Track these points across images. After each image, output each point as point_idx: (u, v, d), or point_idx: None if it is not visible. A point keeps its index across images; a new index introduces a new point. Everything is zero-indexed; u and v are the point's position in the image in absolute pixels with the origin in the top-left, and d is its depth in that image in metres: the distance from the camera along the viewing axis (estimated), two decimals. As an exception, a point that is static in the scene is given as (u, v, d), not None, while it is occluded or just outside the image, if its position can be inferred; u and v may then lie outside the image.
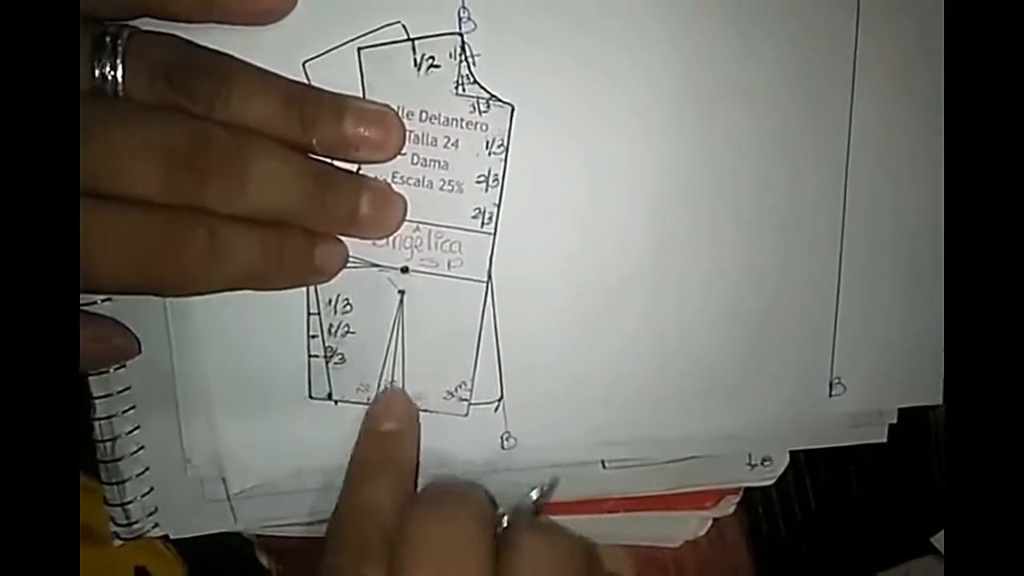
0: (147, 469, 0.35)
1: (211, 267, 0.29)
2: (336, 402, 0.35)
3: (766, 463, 0.38)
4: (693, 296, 0.35)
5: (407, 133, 0.32)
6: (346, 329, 0.34)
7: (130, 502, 0.35)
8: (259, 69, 0.30)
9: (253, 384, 0.34)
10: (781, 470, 0.38)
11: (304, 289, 0.34)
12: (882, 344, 0.37)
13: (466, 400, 0.35)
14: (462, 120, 0.33)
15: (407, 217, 0.33)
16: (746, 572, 0.41)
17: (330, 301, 0.34)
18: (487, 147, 0.33)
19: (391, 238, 0.33)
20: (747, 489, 0.39)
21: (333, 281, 0.33)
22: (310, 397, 0.35)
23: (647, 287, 0.35)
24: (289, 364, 0.34)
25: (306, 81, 0.32)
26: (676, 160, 0.34)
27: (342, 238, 0.33)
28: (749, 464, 0.38)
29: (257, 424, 0.35)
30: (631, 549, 0.39)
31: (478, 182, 0.33)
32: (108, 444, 0.34)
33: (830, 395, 0.36)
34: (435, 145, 0.33)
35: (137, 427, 0.35)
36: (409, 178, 0.33)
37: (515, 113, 0.33)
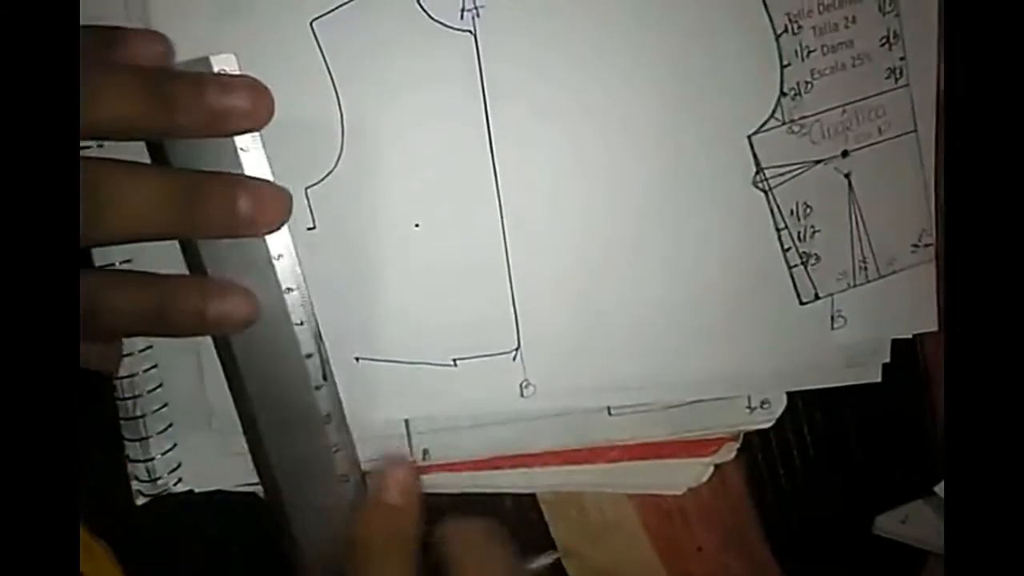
0: (170, 425, 0.36)
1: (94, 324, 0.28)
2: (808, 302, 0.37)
3: (765, 406, 0.39)
4: (699, 244, 0.37)
5: (814, 28, 0.35)
6: (812, 230, 0.37)
7: (153, 458, 0.36)
8: (108, 64, 0.28)
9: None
10: (779, 412, 0.39)
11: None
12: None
13: (931, 245, 0.38)
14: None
15: (832, 105, 0.36)
16: (747, 518, 0.42)
17: (792, 211, 0.36)
18: (880, 9, 0.36)
19: (824, 128, 0.36)
20: (746, 437, 0.40)
21: (791, 191, 0.36)
22: (801, 303, 0.38)
23: (656, 233, 0.36)
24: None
25: (315, 42, 0.33)
26: (687, 105, 0.36)
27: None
28: (749, 407, 0.39)
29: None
30: (635, 497, 0.41)
31: (881, 45, 0.36)
32: (130, 402, 0.35)
33: (832, 327, 0.38)
34: (837, 29, 0.35)
35: (160, 385, 0.35)
36: (825, 70, 0.35)
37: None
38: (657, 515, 0.41)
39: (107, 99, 0.27)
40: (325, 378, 0.32)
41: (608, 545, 0.41)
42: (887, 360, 0.39)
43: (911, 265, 0.38)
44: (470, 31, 0.34)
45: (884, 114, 0.36)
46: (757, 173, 0.36)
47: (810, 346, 0.38)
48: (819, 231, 0.37)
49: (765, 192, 0.36)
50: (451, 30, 0.34)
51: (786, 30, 0.35)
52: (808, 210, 0.36)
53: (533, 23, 0.34)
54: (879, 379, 0.39)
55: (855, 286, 0.38)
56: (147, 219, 0.28)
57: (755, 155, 0.36)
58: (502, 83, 0.34)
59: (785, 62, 0.35)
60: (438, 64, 0.34)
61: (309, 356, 0.32)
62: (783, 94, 0.35)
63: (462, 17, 0.34)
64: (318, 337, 0.32)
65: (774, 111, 0.36)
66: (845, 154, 0.37)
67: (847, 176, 0.37)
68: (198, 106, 0.28)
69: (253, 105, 0.29)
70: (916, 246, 0.38)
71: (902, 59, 0.36)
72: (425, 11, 0.34)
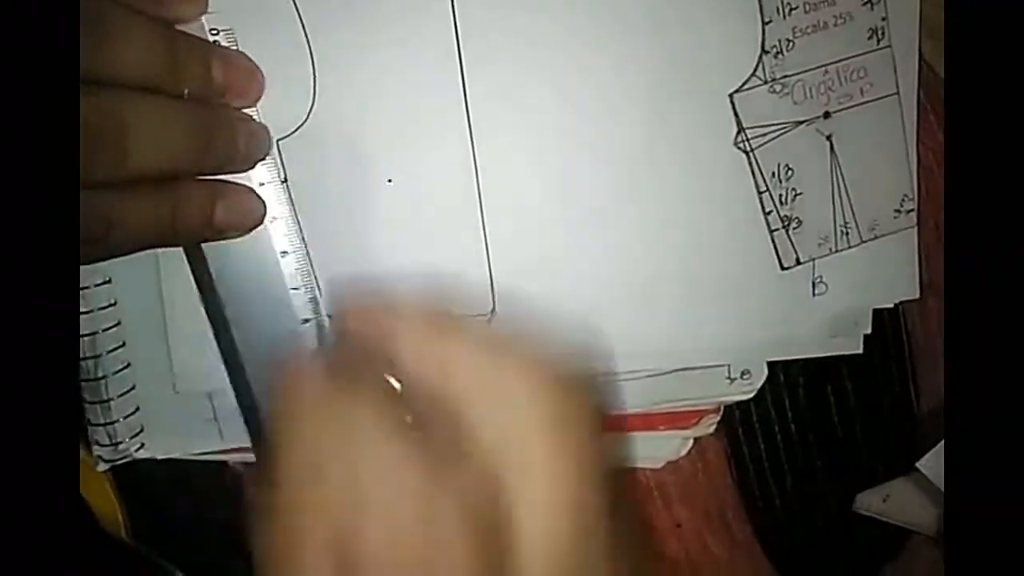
0: (133, 388, 0.35)
1: (106, 238, 0.29)
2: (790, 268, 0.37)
3: (745, 376, 0.38)
4: (679, 206, 0.36)
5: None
6: (794, 193, 0.36)
7: (114, 422, 0.35)
8: (130, 19, 0.29)
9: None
10: (760, 383, 0.38)
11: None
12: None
13: (913, 211, 0.38)
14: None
15: (814, 64, 0.36)
16: (727, 493, 0.41)
17: (774, 174, 0.36)
18: None
19: (806, 88, 0.36)
20: (727, 411, 0.39)
21: (772, 152, 0.36)
22: (782, 268, 0.37)
23: (634, 198, 0.36)
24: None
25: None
26: (660, 75, 0.35)
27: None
28: (729, 378, 0.38)
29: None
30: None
31: (863, 4, 0.36)
32: (91, 362, 0.34)
33: (813, 294, 0.37)
34: None
35: (122, 344, 0.35)
36: (807, 28, 0.35)
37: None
38: (636, 491, 0.40)
39: (124, 42, 0.28)
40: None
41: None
42: (868, 331, 0.39)
43: (893, 231, 0.38)
44: (446, -7, 0.34)
45: (865, 75, 0.36)
46: (738, 133, 0.36)
47: (791, 313, 0.38)
48: (801, 194, 0.37)
49: (747, 153, 0.36)
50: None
51: (769, -13, 0.35)
52: (790, 172, 0.36)
53: None
54: (860, 350, 0.39)
55: (837, 251, 0.37)
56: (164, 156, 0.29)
57: (736, 114, 0.35)
58: (478, 40, 0.34)
59: (767, 19, 0.35)
60: (414, 19, 0.34)
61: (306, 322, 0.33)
62: (764, 51, 0.35)
63: None
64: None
65: (756, 69, 0.35)
66: (827, 115, 0.36)
67: (828, 138, 0.36)
68: (203, 75, 0.31)
69: (248, 84, 0.32)
70: (898, 211, 0.37)
71: (883, 19, 0.36)
72: (400, -27, 0.33)
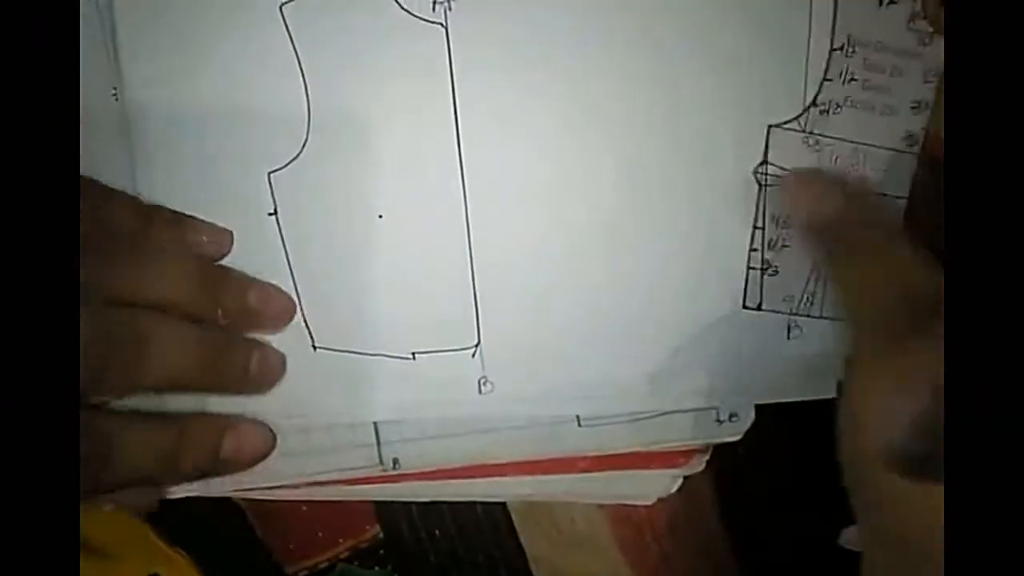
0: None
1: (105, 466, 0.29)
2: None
3: (733, 419, 0.39)
4: (664, 250, 0.37)
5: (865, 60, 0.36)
6: (783, 244, 0.36)
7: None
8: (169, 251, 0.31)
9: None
10: (747, 426, 0.39)
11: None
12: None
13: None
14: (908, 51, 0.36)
15: (850, 138, 0.36)
16: (715, 528, 0.42)
17: (774, 217, 0.36)
18: (923, 77, 0.36)
19: (834, 156, 0.36)
20: (716, 449, 0.40)
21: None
22: (744, 307, 0.37)
23: (623, 240, 0.36)
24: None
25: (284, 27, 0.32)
26: (652, 117, 0.35)
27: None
28: (718, 420, 0.39)
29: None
30: (606, 506, 0.40)
31: (912, 108, 0.36)
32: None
33: (788, 338, 0.38)
34: (883, 72, 0.36)
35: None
36: (857, 103, 0.36)
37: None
38: (626, 524, 0.41)
39: (163, 278, 0.30)
40: None
41: (577, 553, 0.41)
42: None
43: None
44: (441, 23, 0.34)
45: (886, 171, 0.37)
46: (761, 164, 0.36)
47: (766, 356, 0.38)
48: (787, 247, 0.37)
49: (760, 186, 0.36)
50: (422, 22, 0.34)
51: (841, 49, 0.36)
52: (787, 223, 0.37)
53: (506, 17, 0.34)
54: (833, 394, 0.38)
55: (793, 314, 0.38)
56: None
57: (767, 146, 0.36)
58: (471, 77, 0.34)
59: (828, 76, 0.36)
60: (409, 55, 0.34)
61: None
62: (814, 104, 0.36)
63: (434, 9, 0.34)
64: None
65: (799, 116, 0.36)
66: None
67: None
68: (241, 307, 0.32)
69: (281, 315, 0.34)
70: None
71: (923, 129, 0.37)
72: (397, 1, 0.33)
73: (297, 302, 0.35)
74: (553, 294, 0.36)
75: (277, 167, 0.34)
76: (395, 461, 0.37)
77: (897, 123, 0.37)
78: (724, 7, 0.35)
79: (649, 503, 0.40)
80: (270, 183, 0.34)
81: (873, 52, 0.36)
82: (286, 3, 0.32)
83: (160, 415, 0.32)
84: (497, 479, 0.38)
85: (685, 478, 0.40)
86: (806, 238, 0.35)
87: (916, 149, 0.37)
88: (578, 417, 0.38)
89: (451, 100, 0.34)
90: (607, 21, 0.34)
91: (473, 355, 0.36)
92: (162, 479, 0.33)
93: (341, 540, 0.41)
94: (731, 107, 0.36)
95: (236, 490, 0.36)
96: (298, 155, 0.34)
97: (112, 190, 0.32)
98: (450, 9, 0.33)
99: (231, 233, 0.33)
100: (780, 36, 0.35)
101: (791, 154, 0.36)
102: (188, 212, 0.33)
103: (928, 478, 0.27)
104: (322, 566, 0.40)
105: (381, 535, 0.41)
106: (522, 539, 0.41)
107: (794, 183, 0.35)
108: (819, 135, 0.36)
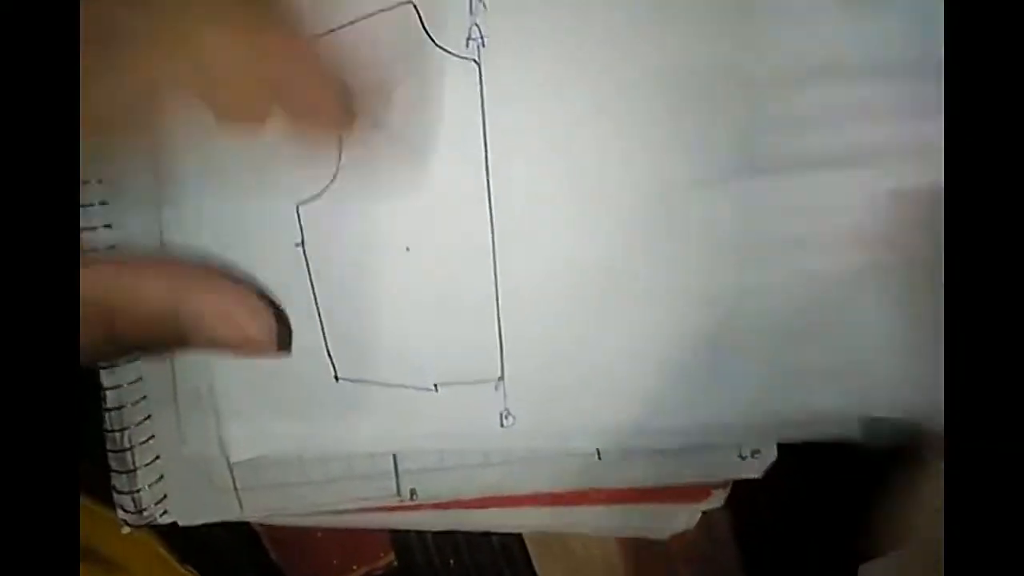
0: (157, 458, 0.35)
1: None
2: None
3: (756, 455, 0.38)
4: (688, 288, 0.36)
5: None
6: None
7: (139, 490, 0.35)
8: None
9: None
10: (770, 462, 0.39)
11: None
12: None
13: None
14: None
15: None
16: (732, 561, 0.41)
17: None
18: None
19: None
20: (735, 484, 0.40)
21: None
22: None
23: (647, 274, 0.35)
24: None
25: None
26: (686, 154, 0.35)
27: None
28: (740, 456, 0.38)
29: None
30: (624, 540, 0.40)
31: None
32: (118, 434, 0.34)
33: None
34: None
35: (148, 416, 0.35)
36: None
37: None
38: (642, 555, 0.41)
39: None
40: None
41: (592, 583, 0.41)
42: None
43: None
44: (474, 60, 0.33)
45: None
46: None
47: (791, 396, 0.37)
48: None
49: None
50: (455, 57, 0.33)
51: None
52: None
53: (538, 55, 0.34)
54: (856, 435, 0.38)
55: None
56: None
57: None
58: (502, 113, 0.34)
59: None
60: (440, 90, 0.33)
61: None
62: None
63: (467, 45, 0.33)
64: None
65: None
66: None
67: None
68: None
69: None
70: None
71: None
72: (430, 36, 0.33)
73: (321, 333, 0.35)
74: (577, 329, 0.36)
75: (306, 198, 0.34)
76: (412, 492, 0.37)
77: None
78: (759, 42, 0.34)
79: (664, 538, 0.40)
80: (298, 214, 0.34)
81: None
82: (319, 36, 0.32)
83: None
84: (514, 510, 0.39)
85: (703, 513, 0.40)
86: None
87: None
88: (598, 450, 0.37)
89: (482, 134, 0.34)
90: (641, 59, 0.34)
91: (496, 388, 0.36)
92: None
93: (355, 567, 0.41)
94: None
95: (255, 517, 0.37)
96: (328, 187, 0.34)
97: None
98: (483, 45, 0.33)
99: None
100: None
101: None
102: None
103: None
104: (336, 592, 0.41)
105: (395, 563, 0.41)
106: (536, 567, 0.41)
107: None
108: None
